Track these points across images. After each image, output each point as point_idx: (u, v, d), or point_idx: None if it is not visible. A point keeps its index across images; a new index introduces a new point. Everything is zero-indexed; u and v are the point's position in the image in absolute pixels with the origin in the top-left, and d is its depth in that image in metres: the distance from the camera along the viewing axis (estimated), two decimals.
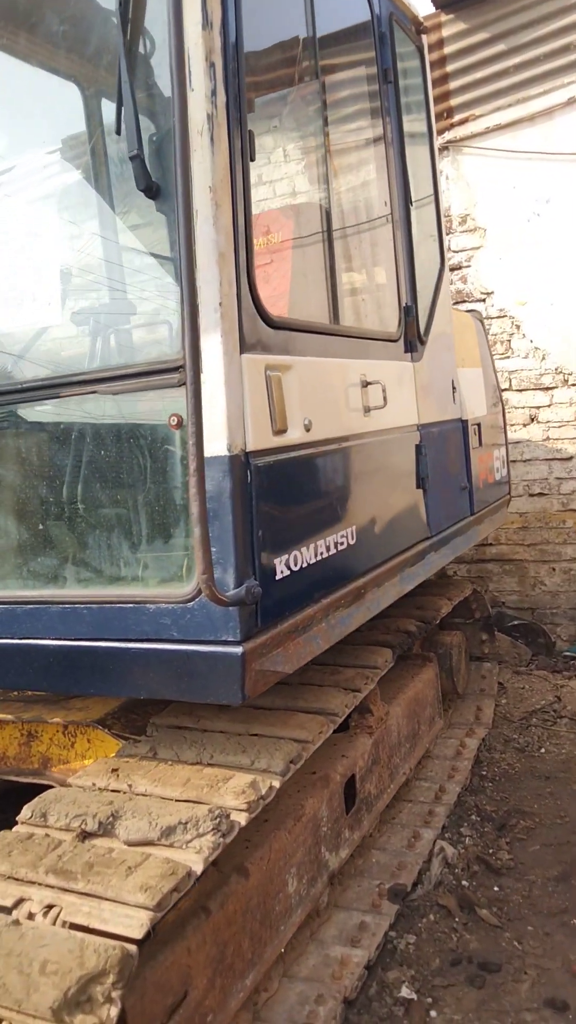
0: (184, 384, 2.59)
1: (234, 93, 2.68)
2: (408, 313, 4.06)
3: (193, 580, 2.64)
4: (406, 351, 4.10)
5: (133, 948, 2.20)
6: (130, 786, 2.96)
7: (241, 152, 2.71)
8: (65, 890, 2.42)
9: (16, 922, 2.31)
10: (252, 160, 2.77)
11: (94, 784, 3.01)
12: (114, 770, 3.07)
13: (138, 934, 2.23)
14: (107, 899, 2.35)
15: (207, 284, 2.59)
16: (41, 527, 2.97)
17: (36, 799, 2.90)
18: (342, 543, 3.26)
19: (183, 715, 3.50)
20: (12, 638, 2.99)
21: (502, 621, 7.31)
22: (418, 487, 4.15)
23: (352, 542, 3.35)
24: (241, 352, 2.65)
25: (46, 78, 3.58)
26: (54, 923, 2.35)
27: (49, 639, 2.92)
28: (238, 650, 2.59)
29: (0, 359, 3.10)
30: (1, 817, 3.18)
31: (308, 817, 3.41)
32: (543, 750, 5.49)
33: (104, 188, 3.40)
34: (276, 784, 2.94)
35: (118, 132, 2.75)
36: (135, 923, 2.26)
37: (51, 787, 3.06)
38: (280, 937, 3.14)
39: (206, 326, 2.58)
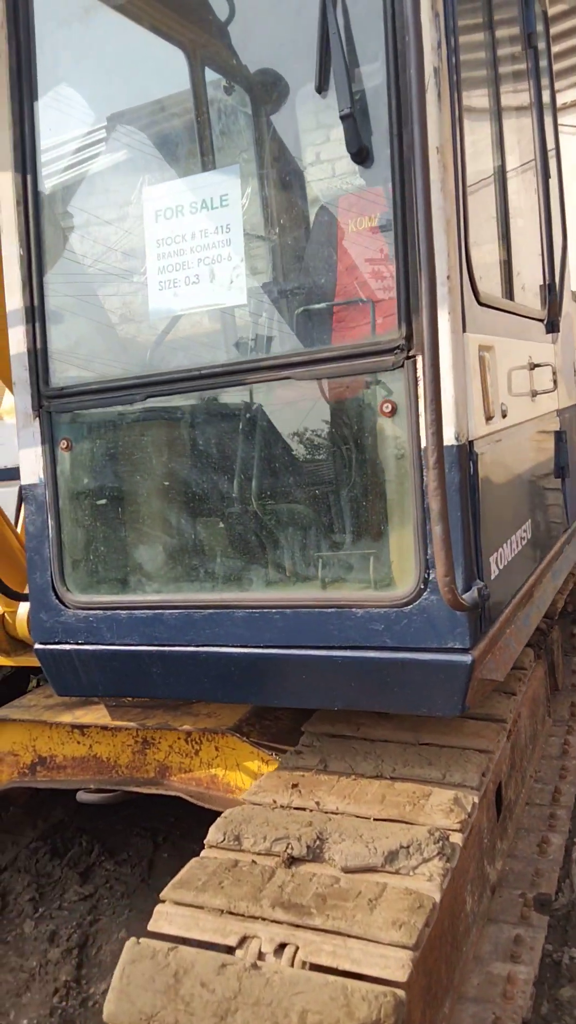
0: (401, 367, 2.36)
1: (454, 46, 2.43)
2: (551, 292, 3.83)
3: (411, 582, 2.41)
4: (547, 332, 3.87)
5: (402, 994, 1.98)
6: (318, 803, 2.73)
7: (461, 109, 2.46)
8: (298, 926, 2.20)
9: (256, 966, 2.09)
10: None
11: (275, 801, 2.78)
12: (293, 785, 2.84)
13: (402, 976, 2.01)
14: (354, 936, 2.13)
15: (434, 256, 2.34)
16: (223, 524, 2.74)
17: (220, 819, 2.67)
18: (524, 538, 3.05)
19: (338, 722, 3.27)
20: (188, 645, 2.75)
21: None
22: (557, 476, 3.93)
23: (528, 537, 3.14)
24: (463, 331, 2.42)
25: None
26: (292, 964, 2.13)
27: (232, 647, 2.68)
28: (467, 658, 2.36)
29: (182, 341, 2.85)
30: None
31: (476, 830, 3.21)
32: None
33: (294, 154, 3.15)
34: (476, 800, 2.73)
35: (320, 90, 2.50)
36: (395, 964, 2.04)
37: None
38: (464, 959, 2.94)
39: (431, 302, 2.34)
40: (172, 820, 4.50)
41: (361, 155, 2.42)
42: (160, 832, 4.47)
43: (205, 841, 2.62)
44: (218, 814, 2.68)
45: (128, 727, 3.68)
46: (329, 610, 2.53)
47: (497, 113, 3.18)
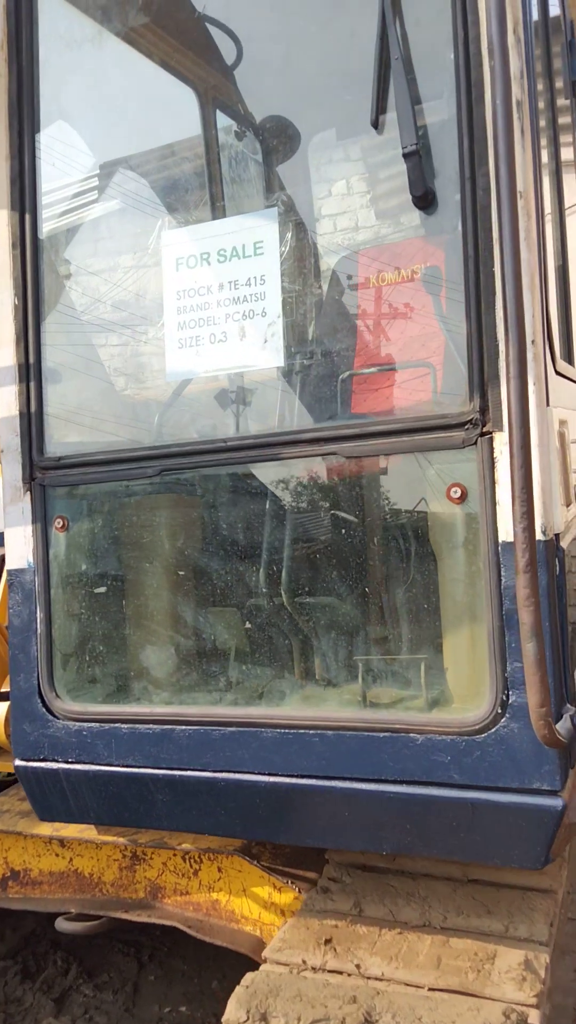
0: (474, 444, 1.98)
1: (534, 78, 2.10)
2: None
3: (485, 704, 1.98)
4: None
5: None
6: (359, 967, 2.25)
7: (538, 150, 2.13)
8: None
9: None
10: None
11: (305, 962, 2.30)
12: (326, 940, 2.36)
13: None
14: None
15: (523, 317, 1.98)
16: (251, 624, 2.30)
17: (241, 991, 2.18)
18: None
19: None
20: (203, 770, 2.29)
21: None
22: None
23: None
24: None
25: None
26: None
27: (258, 774, 2.22)
28: (557, 803, 1.93)
29: (204, 407, 2.45)
30: None
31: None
32: None
33: (326, 200, 2.81)
34: (547, 960, 2.27)
35: (376, 125, 2.16)
36: None
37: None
38: None
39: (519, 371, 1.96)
40: (159, 934, 3.94)
41: (426, 199, 2.07)
42: (145, 948, 3.93)
43: (224, 1019, 2.13)
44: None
45: (116, 842, 3.18)
46: (381, 735, 2.09)
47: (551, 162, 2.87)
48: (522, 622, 1.76)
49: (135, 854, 3.20)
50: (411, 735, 2.06)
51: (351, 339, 2.46)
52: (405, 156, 2.05)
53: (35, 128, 2.69)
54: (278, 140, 4.02)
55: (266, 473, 2.31)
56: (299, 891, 2.81)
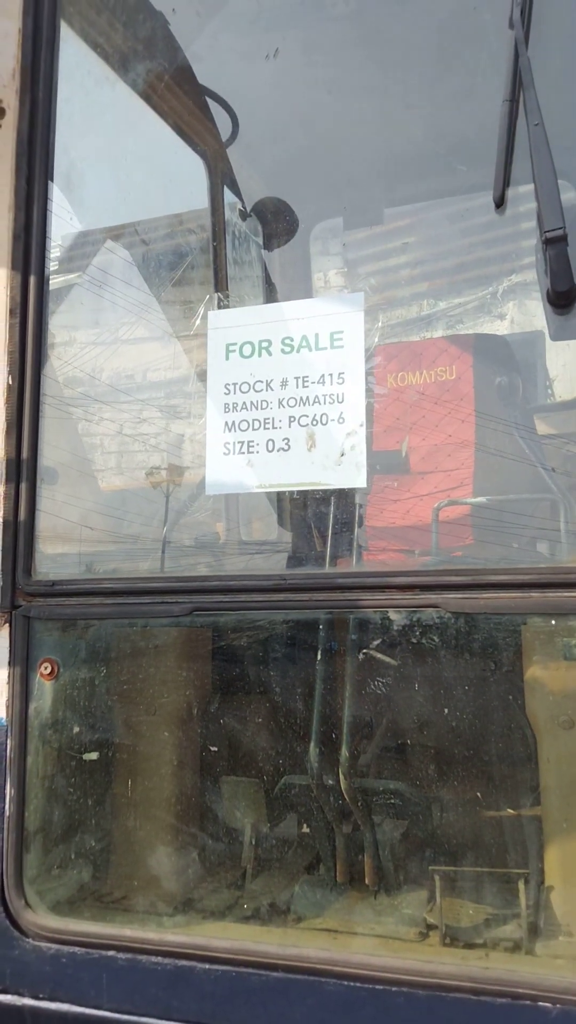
0: None
1: None
2: None
3: None
4: None
5: None
6: None
7: None
8: None
9: None
10: None
11: None
12: None
13: None
14: None
15: None
16: (311, 822, 1.72)
17: None
18: None
19: None
20: None
21: None
22: None
23: None
24: None
25: None
26: None
27: None
28: None
29: (254, 531, 1.91)
30: None
31: None
32: None
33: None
34: None
35: (499, 204, 1.74)
36: None
37: None
38: None
39: None
40: None
41: (572, 296, 1.64)
42: None
43: None
44: None
45: None
46: (498, 1001, 1.52)
47: None
48: None
49: None
50: (540, 1004, 1.50)
51: (447, 460, 1.99)
52: (548, 241, 1.63)
53: (48, 175, 2.21)
54: (279, 224, 3.79)
55: (336, 623, 1.78)
56: None
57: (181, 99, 3.24)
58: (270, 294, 3.79)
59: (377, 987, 1.59)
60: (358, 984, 1.61)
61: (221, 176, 3.66)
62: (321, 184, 3.71)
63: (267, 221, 3.80)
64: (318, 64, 2.97)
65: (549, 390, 3.70)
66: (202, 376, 1.99)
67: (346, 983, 1.61)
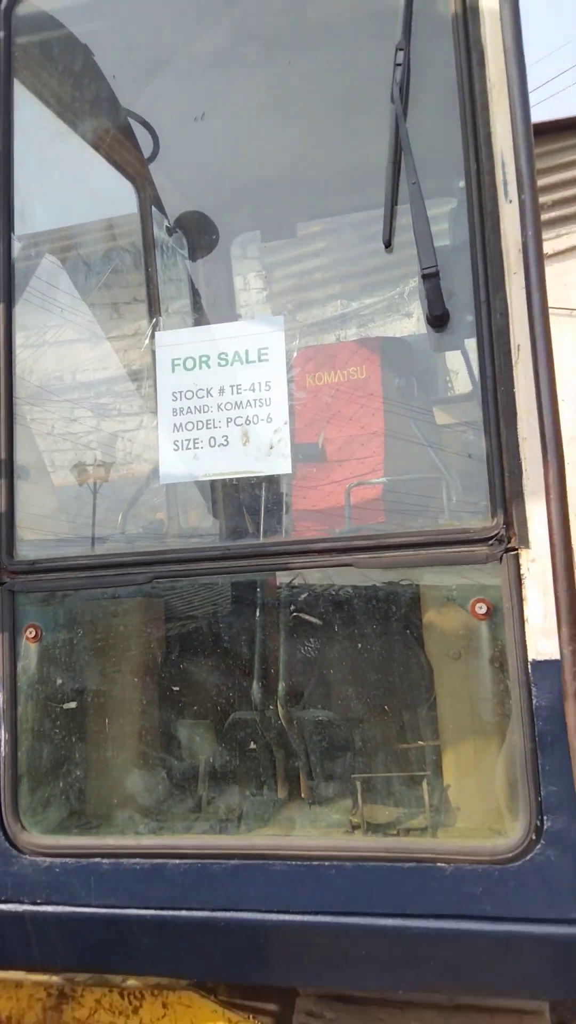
0: (499, 561, 1.98)
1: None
2: None
3: (518, 830, 1.93)
4: None
5: None
6: None
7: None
8: None
9: None
10: None
11: None
12: None
13: None
14: None
15: (533, 435, 2.03)
16: (255, 743, 2.15)
17: None
18: None
19: None
20: (200, 909, 2.09)
21: None
22: None
23: None
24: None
25: None
26: None
27: (265, 912, 2.05)
28: None
29: (201, 512, 2.32)
30: None
31: None
32: None
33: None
34: None
35: (387, 245, 2.19)
36: None
37: None
38: None
39: (532, 487, 2.00)
40: None
41: (443, 319, 2.10)
42: None
43: None
44: None
45: (42, 980, 2.84)
46: (406, 865, 1.98)
47: None
48: (573, 746, 1.74)
49: (62, 992, 2.87)
50: (439, 865, 1.97)
51: (362, 448, 2.44)
52: (424, 277, 2.09)
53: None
54: (203, 238, 4.17)
55: (272, 583, 2.21)
56: None
57: (113, 134, 3.61)
58: (196, 300, 4.17)
59: (313, 863, 2.04)
60: (298, 863, 2.05)
61: (149, 199, 4.03)
62: (239, 203, 4.11)
63: (191, 234, 4.18)
64: (236, 108, 3.38)
65: (449, 383, 4.18)
66: (152, 384, 2.39)
67: (289, 863, 2.05)
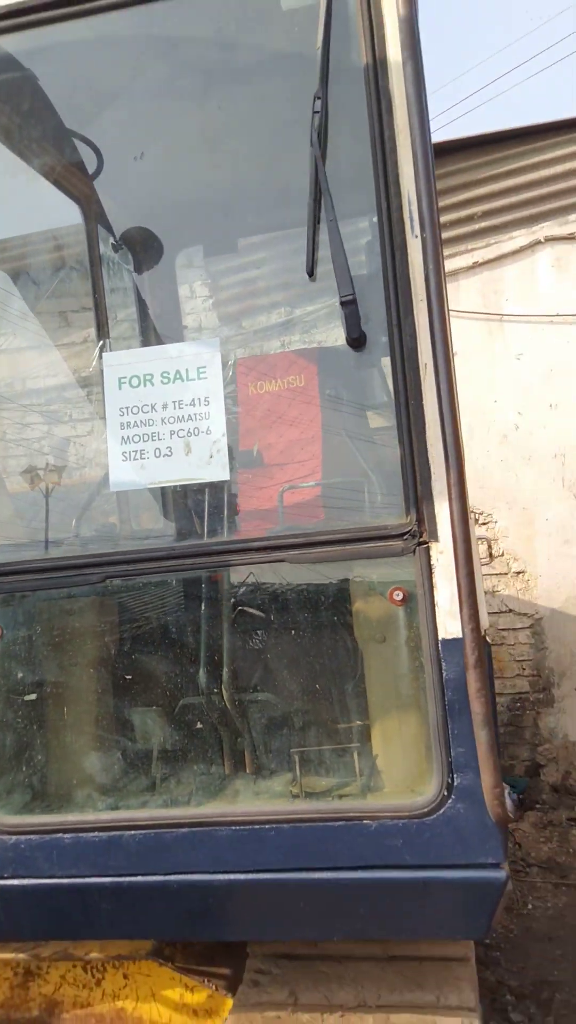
0: (412, 553, 2.26)
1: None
2: None
3: (432, 788, 2.21)
4: None
5: None
6: None
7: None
8: None
9: None
10: None
11: None
12: None
13: None
14: None
15: (437, 442, 2.30)
16: (201, 725, 2.40)
17: None
18: None
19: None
20: (154, 874, 2.32)
21: None
22: None
23: None
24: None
25: None
26: None
27: (212, 873, 2.30)
28: (501, 874, 2.17)
29: (149, 515, 2.55)
30: None
31: None
32: (530, 906, 5.26)
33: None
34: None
35: (311, 275, 2.44)
36: None
37: None
38: None
39: (440, 488, 2.27)
40: None
41: (360, 341, 2.37)
42: None
43: None
44: None
45: (7, 958, 3.05)
46: (336, 824, 2.25)
47: None
48: (474, 712, 2.02)
49: (28, 969, 3.08)
50: (364, 822, 2.23)
51: (294, 454, 2.70)
52: (343, 304, 2.35)
53: None
54: (147, 252, 4.38)
55: (216, 579, 2.45)
56: (214, 988, 2.84)
57: (59, 160, 3.81)
58: (143, 310, 4.38)
59: (255, 827, 2.29)
60: (242, 828, 2.30)
61: (95, 218, 4.23)
62: (183, 220, 4.33)
63: (136, 249, 4.39)
64: (176, 135, 3.59)
65: (385, 391, 4.44)
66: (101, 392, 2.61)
67: (233, 828, 2.30)
